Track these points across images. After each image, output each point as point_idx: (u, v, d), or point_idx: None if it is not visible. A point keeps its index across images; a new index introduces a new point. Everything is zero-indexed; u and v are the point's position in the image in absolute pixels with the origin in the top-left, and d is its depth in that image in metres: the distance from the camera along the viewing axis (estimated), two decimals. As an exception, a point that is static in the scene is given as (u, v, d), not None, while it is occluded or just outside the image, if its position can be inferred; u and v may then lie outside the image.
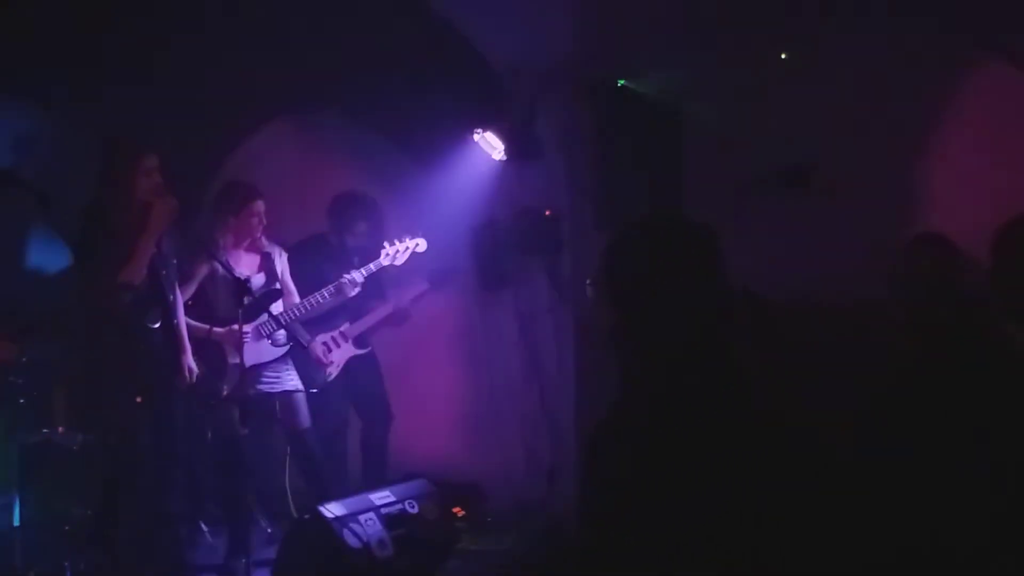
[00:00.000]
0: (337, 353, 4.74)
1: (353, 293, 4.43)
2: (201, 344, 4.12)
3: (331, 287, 4.39)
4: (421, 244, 4.65)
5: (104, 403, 3.70)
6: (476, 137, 4.94)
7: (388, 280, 4.85)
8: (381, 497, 3.84)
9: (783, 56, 4.36)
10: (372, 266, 4.52)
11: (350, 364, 4.80)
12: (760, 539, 1.47)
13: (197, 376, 4.02)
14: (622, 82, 4.68)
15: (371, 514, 3.71)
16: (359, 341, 4.85)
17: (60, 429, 4.25)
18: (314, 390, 4.60)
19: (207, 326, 4.14)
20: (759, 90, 4.39)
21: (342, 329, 4.76)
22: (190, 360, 3.92)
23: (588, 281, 4.39)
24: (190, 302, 4.20)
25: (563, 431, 4.80)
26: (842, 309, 3.94)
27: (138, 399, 3.69)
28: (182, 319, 3.96)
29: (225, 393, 4.09)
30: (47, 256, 5.21)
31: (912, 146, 4.42)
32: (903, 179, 4.40)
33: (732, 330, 1.60)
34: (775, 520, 1.49)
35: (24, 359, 4.29)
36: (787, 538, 1.50)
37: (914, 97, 4.31)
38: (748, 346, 1.77)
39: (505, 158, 4.91)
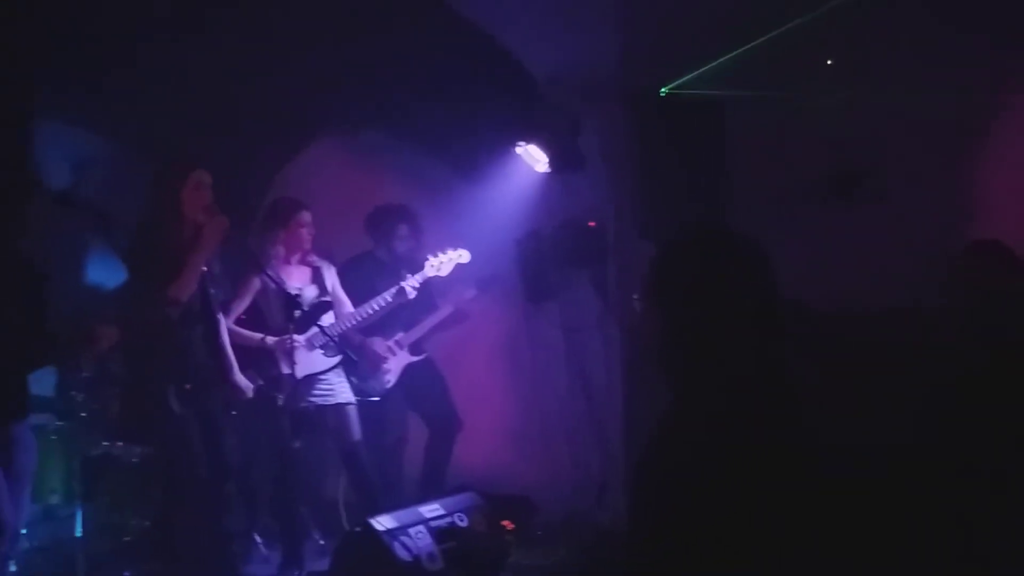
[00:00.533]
0: (393, 361, 4.81)
1: (412, 296, 4.50)
2: (255, 354, 4.22)
3: (391, 291, 4.46)
4: (464, 255, 4.71)
5: (154, 416, 3.76)
6: (519, 150, 4.97)
7: (435, 290, 4.91)
8: (431, 510, 3.86)
9: (828, 62, 4.30)
10: (418, 277, 4.58)
11: (407, 372, 4.87)
12: (815, 556, 1.46)
13: (252, 388, 4.10)
14: (665, 91, 4.66)
15: (421, 527, 3.73)
16: (414, 348, 4.92)
17: (119, 442, 4.35)
18: (375, 398, 4.68)
19: (259, 335, 4.22)
20: (805, 97, 4.33)
21: (396, 338, 4.84)
22: (238, 377, 3.98)
23: (635, 296, 4.36)
24: (244, 316, 4.29)
25: (612, 444, 4.78)
26: (894, 318, 3.86)
27: (187, 386, 3.71)
28: (226, 338, 4.02)
29: (280, 404, 4.17)
30: (105, 274, 5.37)
31: (964, 151, 4.32)
32: (955, 184, 4.30)
33: (782, 342, 1.59)
34: (830, 536, 1.47)
35: (85, 374, 4.43)
36: (843, 555, 1.48)
37: (966, 101, 4.22)
38: (798, 358, 1.76)
39: (548, 170, 4.93)
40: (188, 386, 3.72)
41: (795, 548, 1.45)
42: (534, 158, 4.98)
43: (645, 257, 1.66)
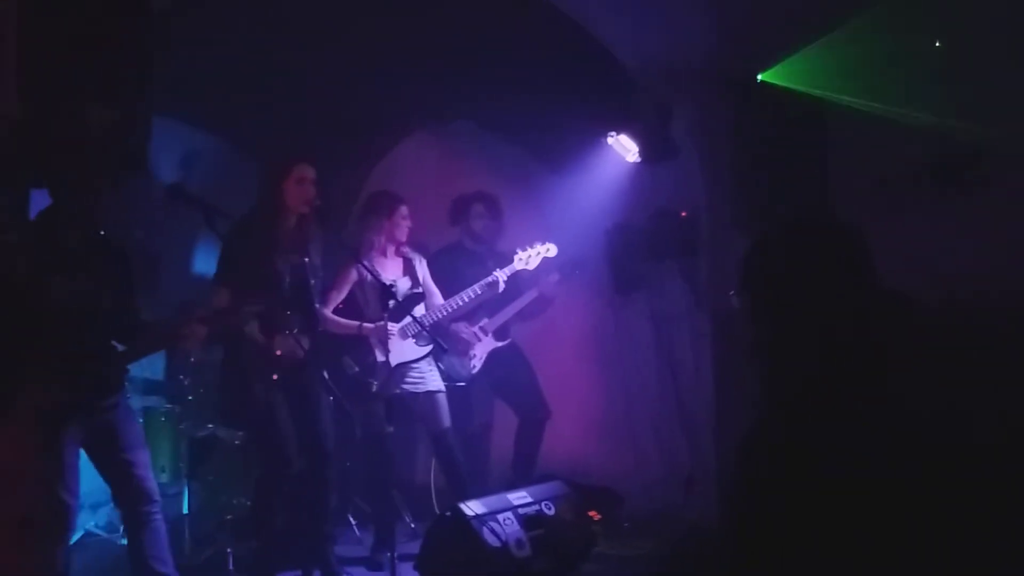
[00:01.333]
0: (479, 347, 4.89)
1: (501, 289, 4.59)
2: (351, 342, 4.35)
3: (481, 284, 4.54)
4: (552, 249, 4.75)
5: (252, 401, 3.91)
6: (610, 140, 4.94)
7: (522, 281, 4.95)
8: (518, 497, 3.89)
9: (936, 44, 4.09)
10: (507, 270, 4.63)
11: (493, 358, 4.94)
12: (915, 547, 1.42)
13: (350, 373, 4.23)
14: (761, 77, 4.54)
15: (509, 514, 3.76)
16: (499, 334, 4.99)
17: (223, 425, 4.55)
18: (461, 383, 4.75)
19: (356, 323, 4.35)
20: (909, 81, 4.14)
21: (482, 324, 4.92)
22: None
23: (731, 293, 4.26)
24: (341, 305, 4.43)
25: (701, 436, 4.71)
26: (1001, 311, 3.66)
27: (274, 376, 3.85)
28: (331, 320, 4.14)
29: (374, 390, 4.28)
30: (211, 264, 5.62)
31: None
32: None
33: (883, 334, 1.54)
34: (930, 527, 1.43)
35: (192, 359, 4.65)
36: (943, 545, 1.43)
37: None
38: (899, 350, 1.69)
39: (639, 160, 4.88)
40: (275, 377, 3.85)
41: (895, 541, 1.42)
42: (625, 148, 4.94)
43: (739, 248, 1.63)
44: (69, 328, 3.26)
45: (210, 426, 4.52)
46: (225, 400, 4.25)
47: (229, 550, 4.19)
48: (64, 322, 3.25)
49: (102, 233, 3.44)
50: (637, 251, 5.01)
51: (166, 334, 3.58)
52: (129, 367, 3.50)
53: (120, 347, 3.47)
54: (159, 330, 3.57)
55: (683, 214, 4.85)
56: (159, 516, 3.45)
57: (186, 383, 4.59)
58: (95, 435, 3.37)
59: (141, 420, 4.42)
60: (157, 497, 3.46)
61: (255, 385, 3.84)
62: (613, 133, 4.89)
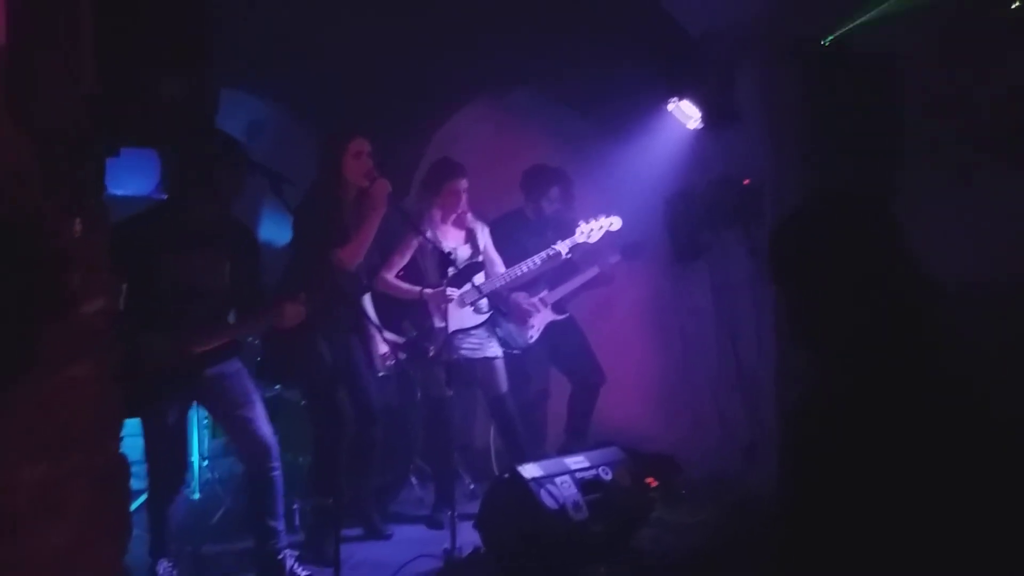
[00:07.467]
0: (537, 318, 4.92)
1: (562, 260, 4.61)
2: (412, 306, 4.42)
3: (541, 255, 4.55)
4: (615, 223, 4.72)
5: (311, 367, 4.03)
6: (671, 107, 4.88)
7: (581, 255, 4.95)
8: (576, 462, 3.92)
9: (1014, 6, 3.92)
10: (568, 243, 4.63)
11: (550, 330, 4.97)
12: (967, 524, 1.41)
13: (409, 337, 4.32)
14: (829, 40, 4.42)
15: (566, 477, 3.79)
16: (557, 307, 5.01)
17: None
18: (516, 351, 4.81)
19: (418, 288, 4.42)
20: (987, 44, 3.98)
21: (541, 296, 4.94)
22: (380, 345, 4.20)
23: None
24: (402, 272, 4.50)
25: (762, 406, 4.68)
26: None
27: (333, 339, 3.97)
28: (392, 285, 4.24)
29: (431, 354, 4.35)
30: (278, 232, 5.74)
31: None
32: None
33: (934, 314, 1.51)
34: (985, 507, 1.42)
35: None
36: (996, 525, 1.42)
37: None
38: (959, 333, 1.65)
39: (701, 126, 4.81)
40: (342, 340, 3.97)
41: (945, 517, 1.41)
42: (686, 115, 4.88)
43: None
44: (184, 300, 3.43)
45: (277, 387, 4.66)
46: (289, 362, 4.39)
47: (295, 506, 4.33)
48: (180, 294, 3.42)
49: (225, 213, 3.58)
50: (698, 219, 4.96)
51: (268, 313, 3.61)
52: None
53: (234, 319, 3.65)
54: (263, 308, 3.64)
55: (745, 182, 4.78)
56: (277, 471, 3.62)
57: (256, 343, 4.73)
58: (210, 396, 3.58)
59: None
60: (276, 452, 3.63)
61: (311, 349, 3.95)
62: (674, 99, 4.83)
